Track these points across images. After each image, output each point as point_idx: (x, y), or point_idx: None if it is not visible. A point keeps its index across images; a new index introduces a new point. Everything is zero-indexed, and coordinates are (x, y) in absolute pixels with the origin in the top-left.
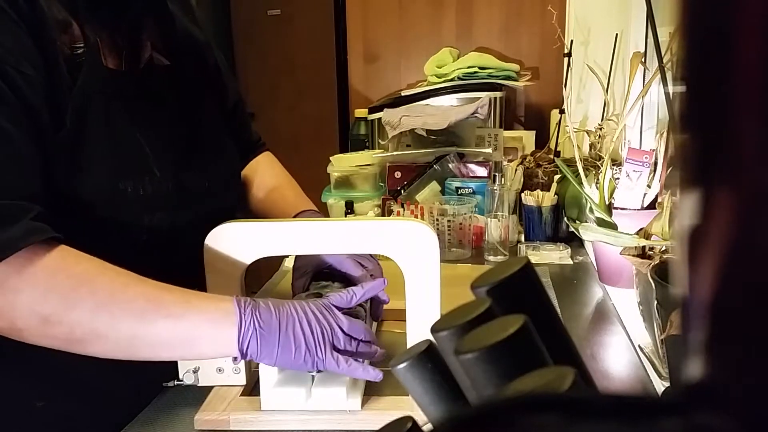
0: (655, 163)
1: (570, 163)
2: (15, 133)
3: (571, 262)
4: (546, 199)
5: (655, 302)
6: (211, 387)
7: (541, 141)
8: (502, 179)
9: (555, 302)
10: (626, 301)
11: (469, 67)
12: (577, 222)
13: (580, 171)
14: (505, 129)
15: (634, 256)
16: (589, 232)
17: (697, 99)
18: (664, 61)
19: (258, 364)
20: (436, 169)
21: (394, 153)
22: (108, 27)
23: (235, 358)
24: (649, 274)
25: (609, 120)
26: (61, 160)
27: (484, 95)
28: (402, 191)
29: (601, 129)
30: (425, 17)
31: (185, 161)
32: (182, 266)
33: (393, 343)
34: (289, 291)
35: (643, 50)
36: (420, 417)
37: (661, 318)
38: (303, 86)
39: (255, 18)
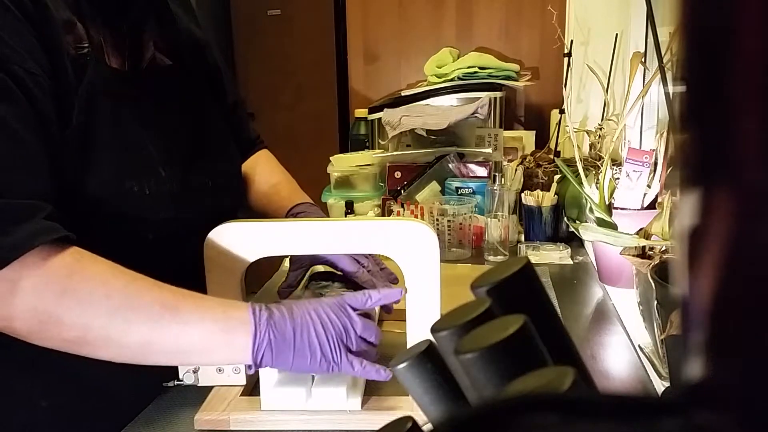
0: (655, 163)
1: (570, 163)
2: (24, 132)
3: (571, 262)
4: (546, 199)
5: (655, 302)
6: (211, 387)
7: (541, 141)
8: (502, 179)
9: (555, 302)
10: (626, 301)
11: (469, 67)
12: (577, 222)
13: (580, 171)
14: (505, 129)
15: (634, 256)
16: (589, 232)
17: (697, 99)
18: (664, 61)
19: None
20: (436, 169)
21: (394, 153)
22: (111, 27)
23: (249, 366)
24: (649, 274)
25: (609, 120)
26: (68, 159)
27: (484, 95)
28: (402, 191)
29: (601, 129)
30: (425, 17)
31: (189, 160)
32: (186, 265)
33: (393, 343)
34: None
35: (643, 50)
36: (420, 417)
37: (661, 318)
38: (303, 86)
39: (255, 18)
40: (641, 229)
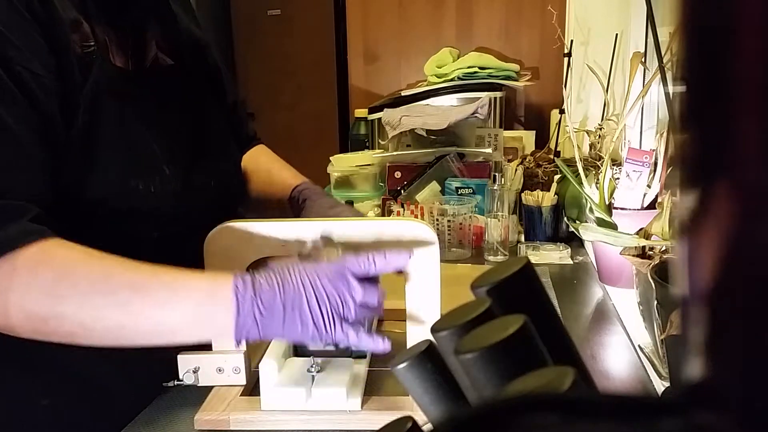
0: (655, 163)
1: (570, 163)
2: (22, 133)
3: (571, 262)
4: (546, 199)
5: (655, 302)
6: (211, 387)
7: (541, 141)
8: (502, 179)
9: (555, 302)
10: (626, 301)
11: (469, 67)
12: (577, 222)
13: (580, 171)
14: (505, 129)
15: (634, 256)
16: (589, 232)
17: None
18: (664, 61)
19: (258, 364)
20: (436, 169)
21: (394, 153)
22: (115, 26)
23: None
24: (649, 274)
25: (609, 120)
26: (73, 158)
27: (484, 95)
28: (402, 191)
29: (601, 129)
30: (425, 17)
31: (192, 160)
32: (187, 264)
33: (393, 343)
34: None
35: (643, 50)
36: (420, 417)
37: (661, 318)
38: (303, 86)
39: (255, 18)
40: (641, 229)
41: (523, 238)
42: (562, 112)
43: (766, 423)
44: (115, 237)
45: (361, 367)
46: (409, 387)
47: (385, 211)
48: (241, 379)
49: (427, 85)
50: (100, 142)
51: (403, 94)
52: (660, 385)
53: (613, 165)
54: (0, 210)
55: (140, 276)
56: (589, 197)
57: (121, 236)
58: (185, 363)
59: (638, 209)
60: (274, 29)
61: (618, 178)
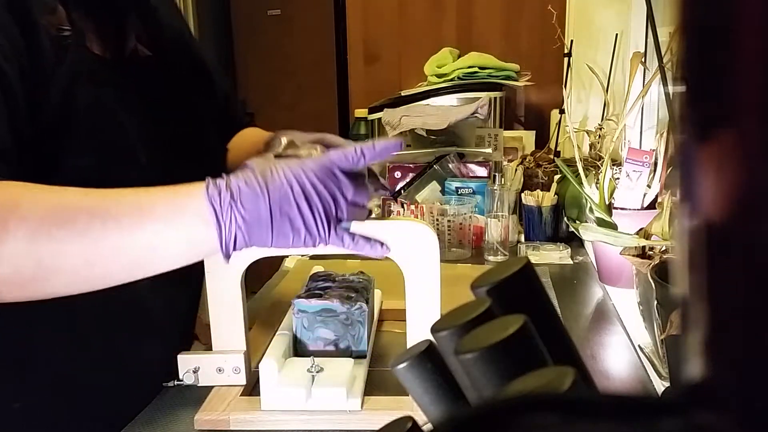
0: (655, 163)
1: (570, 163)
2: None
3: (571, 262)
4: (546, 199)
5: (655, 302)
6: (211, 387)
7: (541, 141)
8: (502, 179)
9: (555, 302)
10: (626, 301)
11: (469, 67)
12: (577, 222)
13: (580, 171)
14: (505, 129)
15: (634, 256)
16: (589, 232)
17: (696, 99)
18: (664, 61)
19: (258, 364)
20: (436, 169)
21: (394, 153)
22: (94, 15)
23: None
24: (649, 274)
25: (609, 120)
26: (46, 141)
27: (484, 95)
28: (402, 191)
29: (601, 129)
30: (425, 17)
31: (172, 151)
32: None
33: (393, 343)
34: (288, 291)
35: (643, 50)
36: (420, 417)
37: (661, 318)
38: (303, 86)
39: (255, 18)
40: (641, 229)
41: (523, 238)
42: (562, 112)
43: (766, 423)
44: None
45: (361, 367)
46: (409, 387)
47: (385, 211)
48: (241, 379)
49: (427, 85)
50: (74, 127)
51: (403, 94)
52: (660, 385)
53: (613, 165)
54: None
55: (98, 199)
56: (589, 197)
57: None
58: (185, 363)
59: (638, 209)
60: (274, 29)
61: (618, 178)
